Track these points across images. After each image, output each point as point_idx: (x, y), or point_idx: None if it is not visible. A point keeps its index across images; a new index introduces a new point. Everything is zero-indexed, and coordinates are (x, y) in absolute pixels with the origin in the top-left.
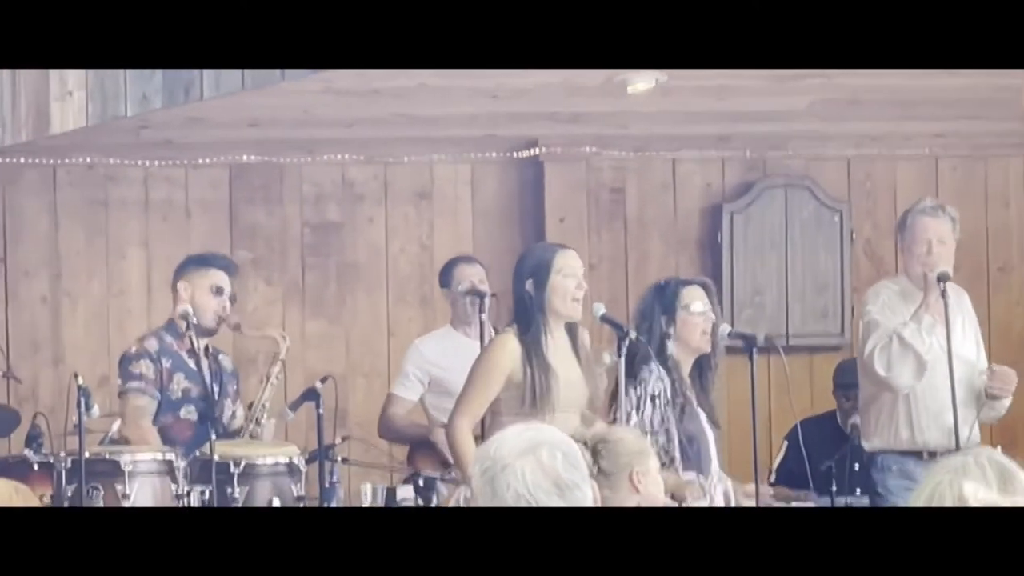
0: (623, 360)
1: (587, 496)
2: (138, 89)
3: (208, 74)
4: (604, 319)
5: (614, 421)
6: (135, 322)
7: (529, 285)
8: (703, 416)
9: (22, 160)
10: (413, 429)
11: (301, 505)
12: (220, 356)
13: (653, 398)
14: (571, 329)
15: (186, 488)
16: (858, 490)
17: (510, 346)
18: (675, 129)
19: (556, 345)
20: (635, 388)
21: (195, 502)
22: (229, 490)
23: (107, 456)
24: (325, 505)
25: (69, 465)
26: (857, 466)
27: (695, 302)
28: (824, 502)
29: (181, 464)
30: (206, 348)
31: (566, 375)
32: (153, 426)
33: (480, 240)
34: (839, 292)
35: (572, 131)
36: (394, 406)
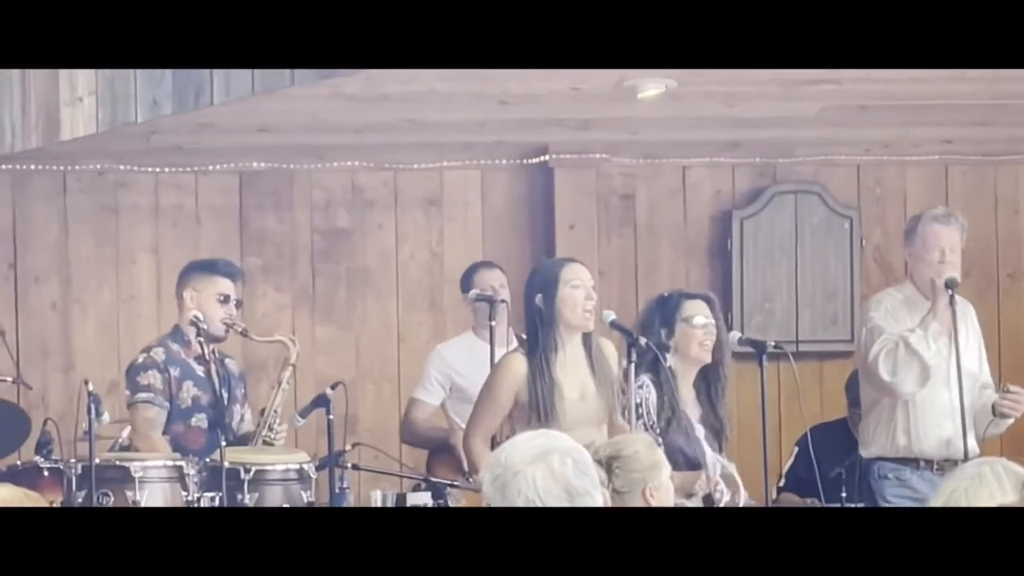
0: (633, 366)
1: (597, 503)
2: (148, 95)
3: (218, 80)
4: (613, 325)
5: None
6: (145, 328)
7: (539, 300)
8: (700, 431)
9: (32, 166)
10: (434, 433)
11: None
12: (226, 360)
13: (636, 406)
14: (586, 341)
15: (196, 495)
16: (853, 495)
17: (515, 367)
18: (685, 135)
19: (569, 360)
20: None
21: None
22: (239, 496)
23: (117, 463)
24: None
25: (79, 471)
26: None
27: (697, 315)
28: None
29: (191, 471)
30: (212, 353)
31: (579, 390)
32: (164, 436)
33: (490, 246)
34: (849, 298)
35: (582, 137)
36: (416, 410)
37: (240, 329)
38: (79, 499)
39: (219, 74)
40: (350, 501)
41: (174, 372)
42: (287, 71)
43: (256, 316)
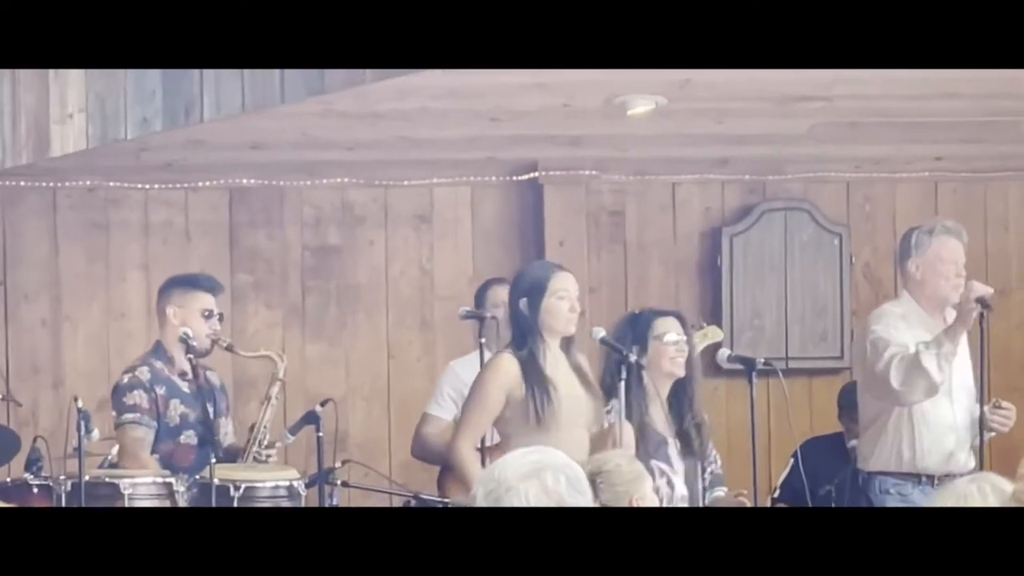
0: (623, 383)
1: None
2: (138, 112)
3: (208, 96)
4: (603, 342)
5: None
6: (135, 345)
7: (523, 304)
8: (674, 446)
9: (22, 183)
10: (445, 451)
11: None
12: (208, 373)
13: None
14: (566, 345)
15: None
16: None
17: (505, 365)
18: (674, 152)
19: (554, 361)
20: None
21: None
22: None
23: (107, 479)
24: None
25: (69, 488)
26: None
27: (669, 332)
28: None
29: (181, 488)
30: (194, 368)
31: (567, 390)
32: (153, 455)
33: (480, 263)
34: (838, 315)
35: (572, 154)
36: (428, 425)
37: (225, 344)
38: None
39: (209, 91)
40: None
41: (160, 391)
42: (277, 88)
43: (247, 333)
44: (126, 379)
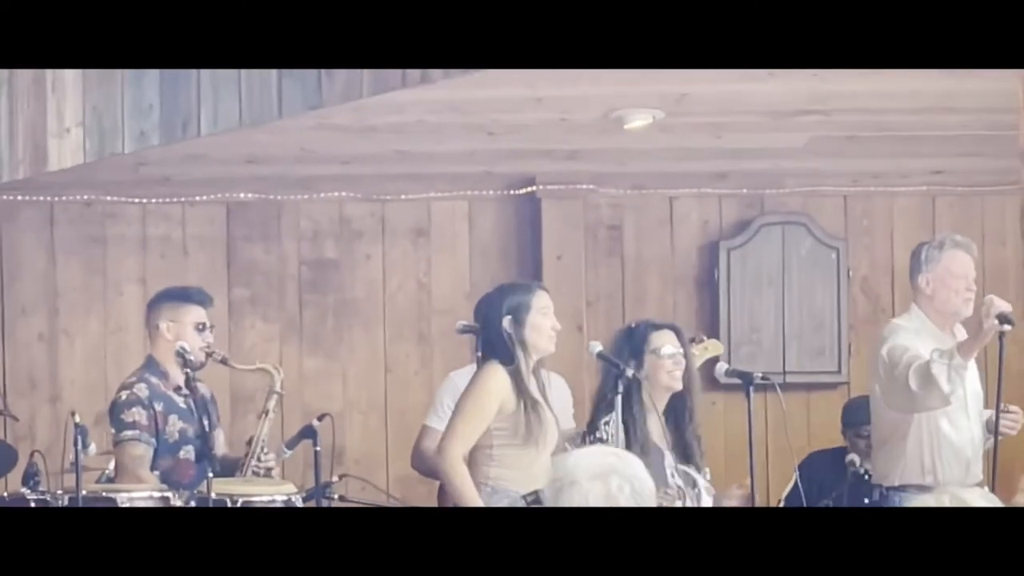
0: (620, 398)
1: None
2: (136, 126)
3: (205, 110)
4: (600, 356)
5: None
6: (133, 359)
7: (507, 322)
8: (670, 459)
9: (19, 197)
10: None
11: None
12: (198, 385)
13: (602, 441)
14: (536, 368)
15: None
16: None
17: (500, 375)
18: (672, 166)
19: (530, 378)
20: (596, 432)
21: None
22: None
23: (104, 494)
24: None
25: (66, 503)
26: (867, 502)
27: (665, 345)
28: None
29: (178, 502)
30: (188, 382)
31: (546, 410)
32: (152, 472)
33: (477, 277)
34: (836, 329)
35: (569, 168)
36: (427, 439)
37: (220, 357)
38: None
39: (207, 105)
40: None
41: (158, 407)
42: (274, 102)
43: (244, 347)
44: (124, 396)
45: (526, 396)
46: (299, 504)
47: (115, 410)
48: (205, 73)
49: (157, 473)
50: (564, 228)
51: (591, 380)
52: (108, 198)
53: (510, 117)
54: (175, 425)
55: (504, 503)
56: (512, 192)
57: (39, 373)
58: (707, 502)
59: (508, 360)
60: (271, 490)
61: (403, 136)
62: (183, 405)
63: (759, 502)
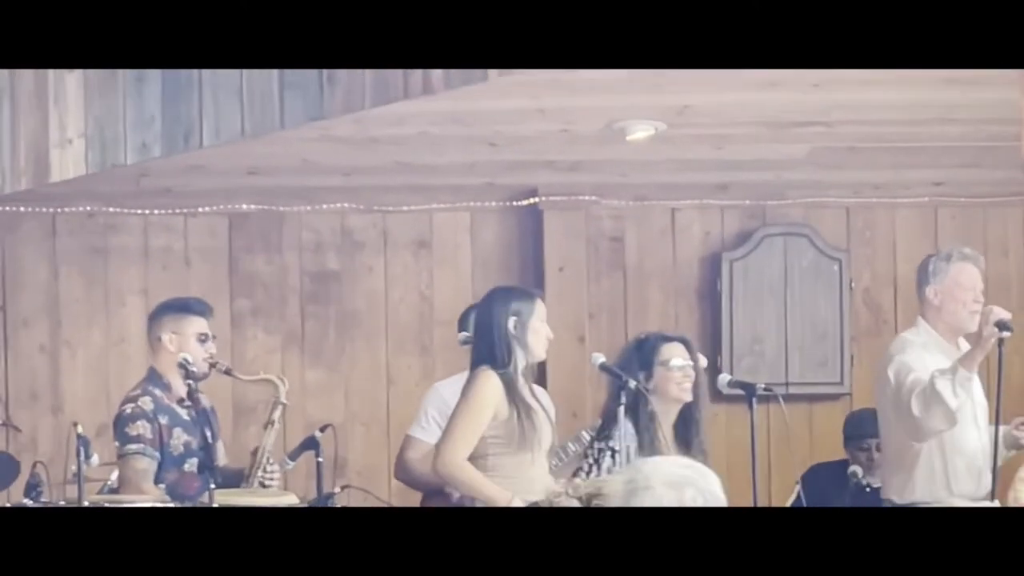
0: (622, 409)
1: None
2: (138, 137)
3: (207, 122)
4: (603, 368)
5: (589, 472)
6: (135, 371)
7: (512, 324)
8: None
9: (21, 208)
10: (429, 477)
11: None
12: (200, 397)
13: (614, 452)
14: (528, 374)
15: None
16: None
17: (494, 381)
18: (674, 178)
19: (523, 384)
20: (600, 442)
21: None
22: None
23: (106, 505)
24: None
25: None
26: None
27: (674, 357)
28: None
29: None
30: (190, 394)
31: (540, 414)
32: (158, 486)
33: (479, 289)
34: (838, 341)
35: (571, 180)
36: (411, 449)
37: (224, 368)
38: None
39: (208, 116)
40: None
41: (163, 420)
42: (276, 114)
43: (246, 359)
44: (128, 409)
45: (519, 401)
46: None
47: (119, 424)
48: (207, 84)
49: (162, 486)
50: (566, 239)
51: (593, 392)
52: (110, 209)
53: (512, 128)
54: (179, 438)
55: None
56: (514, 203)
57: (41, 384)
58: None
59: (502, 364)
60: (274, 501)
61: (405, 147)
62: (186, 417)
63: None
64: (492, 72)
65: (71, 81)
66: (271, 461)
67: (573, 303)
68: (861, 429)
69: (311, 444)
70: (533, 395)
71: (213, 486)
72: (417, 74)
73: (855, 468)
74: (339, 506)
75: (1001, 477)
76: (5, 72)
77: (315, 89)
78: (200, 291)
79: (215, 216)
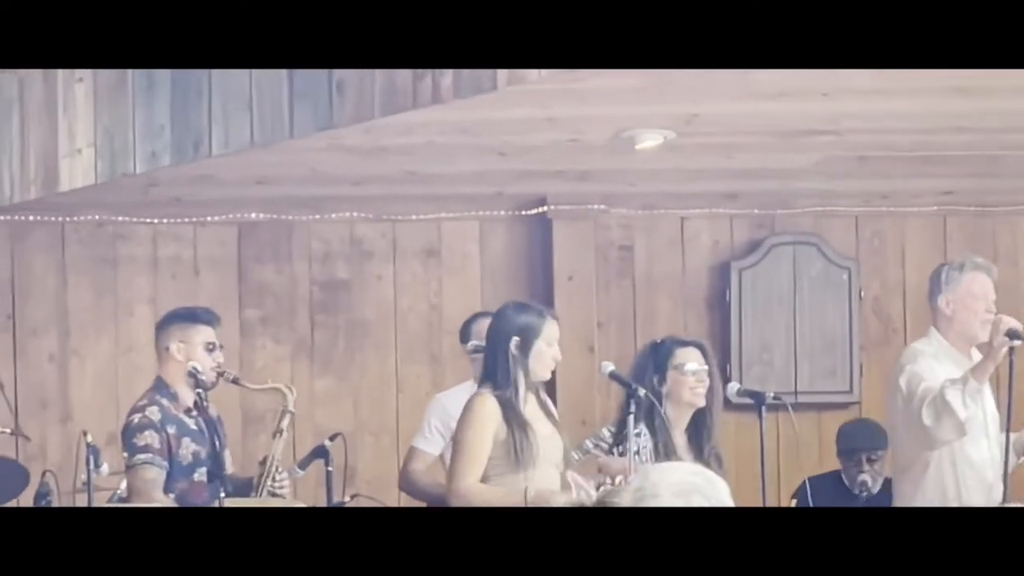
0: (632, 418)
1: None
2: (147, 146)
3: (216, 131)
4: (612, 376)
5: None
6: (144, 380)
7: (514, 344)
8: None
9: (31, 217)
10: (433, 489)
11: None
12: (207, 406)
13: (635, 453)
14: (533, 385)
15: None
16: None
17: (490, 407)
18: (683, 187)
19: (528, 401)
20: (618, 447)
21: None
22: None
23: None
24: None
25: None
26: None
27: (689, 362)
28: None
29: None
30: (197, 403)
31: (541, 429)
32: (168, 496)
33: (488, 297)
34: (847, 350)
35: (580, 189)
36: (415, 461)
37: (231, 377)
38: None
39: (218, 125)
40: None
41: (171, 430)
42: (285, 123)
43: (255, 368)
44: (136, 419)
45: (516, 421)
46: None
47: (127, 434)
48: (216, 94)
49: (172, 496)
50: (575, 248)
51: (602, 400)
52: (119, 218)
53: (521, 138)
54: (188, 448)
55: None
56: (523, 213)
57: (50, 393)
58: None
59: (503, 384)
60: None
61: (414, 157)
62: (194, 427)
63: None
64: (501, 81)
65: (80, 90)
66: (280, 470)
67: (582, 312)
68: (854, 442)
69: (321, 453)
70: (544, 407)
71: (223, 495)
72: (426, 83)
73: (865, 478)
74: (352, 506)
75: (1011, 484)
76: (14, 81)
77: (324, 98)
78: (209, 300)
79: (224, 225)
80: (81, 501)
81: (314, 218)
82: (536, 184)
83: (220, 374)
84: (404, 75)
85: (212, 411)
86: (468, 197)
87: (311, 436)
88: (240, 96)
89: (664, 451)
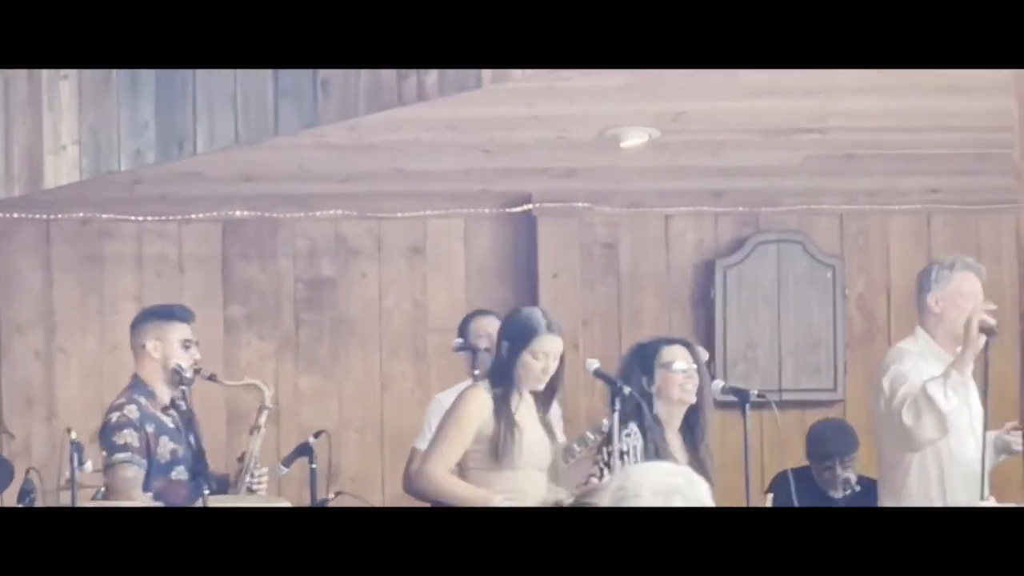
0: (617, 415)
1: None
2: (132, 144)
3: (201, 128)
4: (597, 374)
5: (601, 476)
6: (128, 377)
7: (505, 348)
8: None
9: (15, 215)
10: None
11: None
12: (183, 403)
13: (623, 454)
14: (542, 397)
15: None
16: None
17: (480, 399)
18: (668, 184)
19: (524, 403)
20: (607, 446)
21: None
22: None
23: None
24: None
25: None
26: None
27: (677, 360)
28: None
29: None
30: (173, 401)
31: (531, 434)
32: (146, 494)
33: (473, 295)
34: (832, 347)
35: (566, 186)
36: (416, 462)
37: (208, 374)
38: None
39: (202, 123)
40: None
41: (149, 428)
42: (270, 120)
43: (239, 365)
44: (115, 418)
45: (506, 420)
46: None
47: (106, 432)
48: (201, 91)
49: (150, 495)
50: (560, 246)
51: (587, 398)
52: (104, 216)
53: (506, 136)
54: (166, 446)
55: None
56: (508, 210)
57: (35, 391)
58: None
59: (500, 381)
60: (267, 506)
61: (399, 154)
62: (171, 425)
63: None
64: (486, 79)
65: (65, 88)
66: (258, 466)
67: (567, 310)
68: (824, 447)
69: (305, 450)
70: (542, 415)
71: (208, 492)
72: (412, 81)
73: (849, 475)
74: (335, 506)
75: (993, 481)
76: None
77: (309, 96)
78: (194, 298)
79: (209, 223)
80: (65, 498)
81: (299, 215)
82: (521, 182)
83: (197, 371)
84: (389, 73)
85: (190, 408)
86: (453, 195)
87: (296, 433)
88: (225, 93)
89: (656, 451)
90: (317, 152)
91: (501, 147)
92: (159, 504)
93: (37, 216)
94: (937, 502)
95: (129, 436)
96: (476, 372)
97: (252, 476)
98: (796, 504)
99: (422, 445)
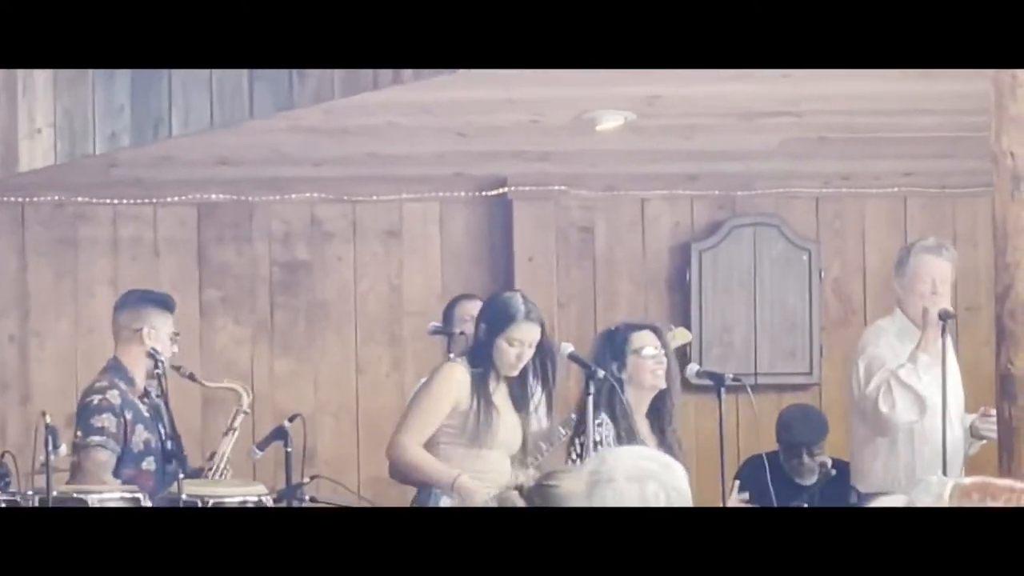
0: (591, 398)
1: None
2: (107, 127)
3: (177, 112)
4: (572, 357)
5: (577, 460)
6: (103, 361)
7: (482, 331)
8: None
9: None
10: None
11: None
12: (155, 389)
13: (596, 444)
14: (510, 379)
15: None
16: None
17: (459, 375)
18: (644, 168)
19: (499, 385)
20: (579, 436)
21: None
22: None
23: (75, 495)
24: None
25: (36, 503)
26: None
27: (647, 346)
28: None
29: (148, 504)
30: (145, 390)
31: (507, 417)
32: (115, 480)
33: (449, 279)
34: (808, 331)
35: (541, 170)
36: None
37: (187, 373)
38: None
39: (178, 106)
40: None
41: (128, 416)
42: (246, 104)
43: (215, 349)
44: (96, 400)
45: (483, 398)
46: (270, 504)
47: (84, 413)
48: (176, 74)
49: (119, 481)
50: (536, 230)
51: (562, 381)
52: (79, 199)
53: (482, 119)
54: (140, 435)
55: (444, 501)
56: (484, 194)
57: (10, 374)
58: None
59: (478, 362)
60: (242, 491)
61: (374, 138)
62: (146, 414)
63: (730, 504)
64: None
65: (40, 71)
66: (227, 468)
67: (542, 293)
68: (793, 436)
69: (280, 434)
70: (518, 400)
71: (182, 476)
72: None
73: (825, 459)
74: (308, 503)
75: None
76: None
77: (284, 79)
78: (169, 281)
79: (184, 206)
80: (40, 482)
81: (275, 199)
82: (497, 165)
83: (176, 369)
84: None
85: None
86: (429, 178)
87: (270, 417)
88: (200, 77)
89: (626, 438)
90: (292, 136)
91: (476, 131)
92: (137, 492)
93: (12, 199)
94: (905, 483)
95: (107, 421)
96: (451, 356)
97: (221, 476)
98: (771, 488)
99: None
